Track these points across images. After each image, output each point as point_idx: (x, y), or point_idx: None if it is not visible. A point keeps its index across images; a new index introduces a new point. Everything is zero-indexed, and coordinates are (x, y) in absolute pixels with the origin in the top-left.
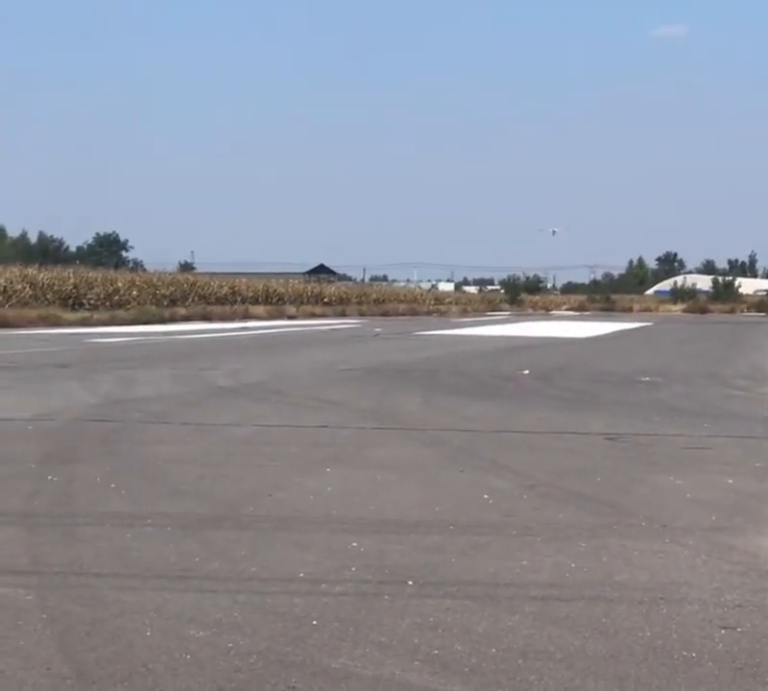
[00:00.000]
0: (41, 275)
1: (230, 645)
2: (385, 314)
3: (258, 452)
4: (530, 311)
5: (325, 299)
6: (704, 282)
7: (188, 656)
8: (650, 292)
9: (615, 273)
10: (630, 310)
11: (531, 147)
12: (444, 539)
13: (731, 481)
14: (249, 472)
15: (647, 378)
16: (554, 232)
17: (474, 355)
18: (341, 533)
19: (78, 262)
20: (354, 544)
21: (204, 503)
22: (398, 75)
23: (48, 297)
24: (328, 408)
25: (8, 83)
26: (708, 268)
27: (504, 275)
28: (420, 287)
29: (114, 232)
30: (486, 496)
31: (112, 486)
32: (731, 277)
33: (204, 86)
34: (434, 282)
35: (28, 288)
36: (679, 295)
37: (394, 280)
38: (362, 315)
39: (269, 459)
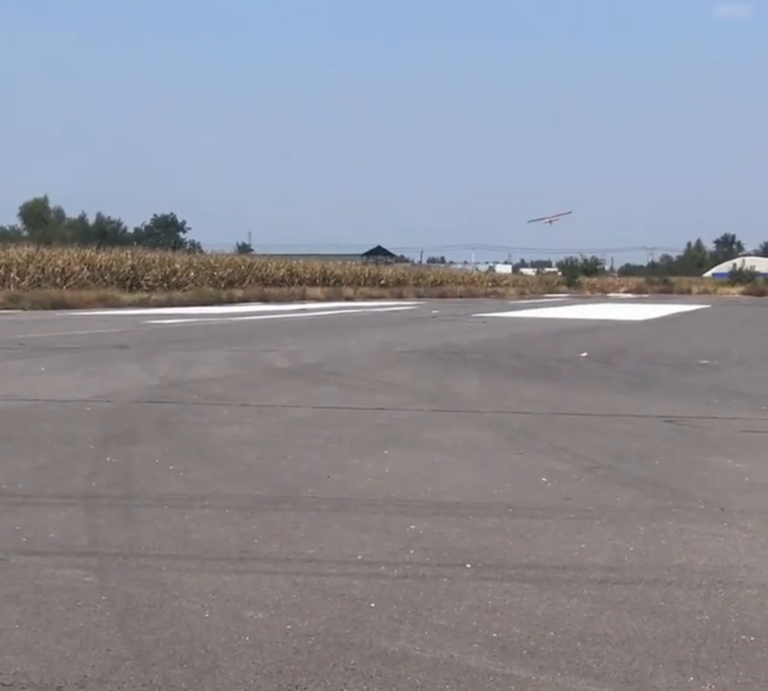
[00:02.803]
0: (99, 257)
1: (289, 627)
2: (442, 296)
3: (317, 434)
4: (587, 293)
5: (383, 281)
6: (763, 265)
7: (247, 638)
8: (708, 274)
9: (673, 255)
10: (688, 292)
11: (591, 127)
12: (503, 522)
13: None
14: (307, 454)
15: (706, 361)
16: (550, 222)
17: (532, 337)
18: (399, 515)
19: (135, 243)
20: (413, 526)
21: (263, 484)
22: (445, 51)
23: (106, 278)
24: (386, 390)
25: (71, 63)
26: (766, 250)
27: (562, 258)
28: (477, 269)
29: (172, 214)
30: (544, 479)
31: (171, 467)
32: None
33: (259, 68)
34: (491, 264)
35: (86, 269)
36: (737, 277)
37: (451, 262)
38: (419, 297)
39: (327, 440)
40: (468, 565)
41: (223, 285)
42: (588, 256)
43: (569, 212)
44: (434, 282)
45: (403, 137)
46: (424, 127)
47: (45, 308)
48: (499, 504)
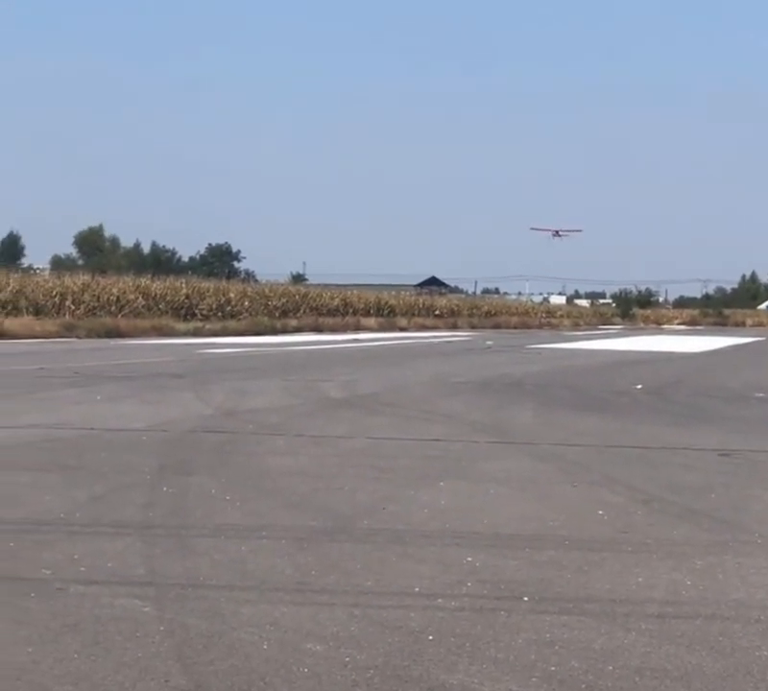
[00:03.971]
0: (154, 286)
1: (348, 659)
2: (496, 327)
3: (372, 465)
4: (641, 325)
5: (437, 312)
6: None
7: (306, 670)
8: (762, 306)
9: (728, 287)
10: (742, 324)
11: (645, 159)
12: (559, 555)
13: None
14: (362, 485)
15: (761, 394)
16: (556, 235)
17: (586, 369)
18: (455, 547)
19: (190, 272)
20: (469, 559)
21: (319, 516)
22: (517, 79)
23: (161, 307)
24: (441, 421)
25: (127, 94)
26: None
27: (616, 289)
28: (531, 300)
29: (226, 243)
30: (600, 512)
31: (227, 497)
32: None
33: (321, 99)
34: (545, 295)
35: (141, 298)
36: None
37: (505, 293)
38: (473, 327)
39: (382, 472)
40: (526, 598)
41: (277, 314)
42: (642, 288)
43: (580, 230)
44: (488, 313)
45: (458, 168)
46: (480, 159)
47: (100, 336)
48: (555, 536)
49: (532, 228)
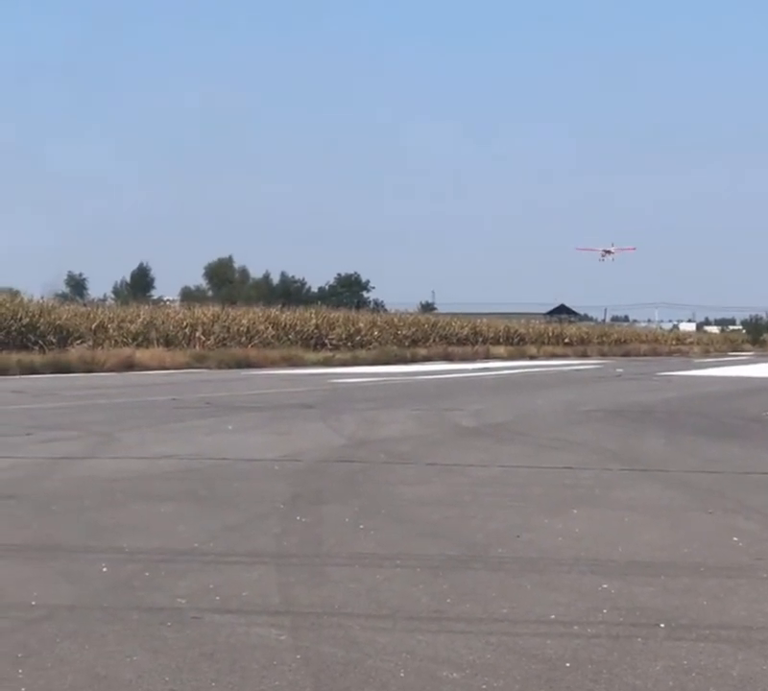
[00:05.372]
0: (284, 316)
1: (485, 687)
2: (626, 354)
3: (504, 493)
4: None
5: (566, 340)
6: None
7: None
8: None
9: None
10: None
11: None
12: (695, 581)
13: None
14: (495, 513)
15: None
16: (607, 254)
17: (717, 396)
18: (590, 574)
19: (319, 303)
20: (604, 586)
21: (452, 544)
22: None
23: (290, 337)
24: (572, 449)
25: (255, 128)
26: None
27: (746, 315)
28: (661, 327)
29: (356, 273)
30: (735, 538)
31: (361, 526)
32: None
33: (447, 129)
34: (675, 322)
35: (271, 328)
36: None
37: (635, 321)
38: (603, 355)
39: (515, 500)
40: (662, 625)
41: (407, 344)
42: None
43: (634, 248)
44: (617, 341)
45: (587, 197)
46: (605, 186)
47: (230, 367)
48: (690, 563)
49: (578, 249)
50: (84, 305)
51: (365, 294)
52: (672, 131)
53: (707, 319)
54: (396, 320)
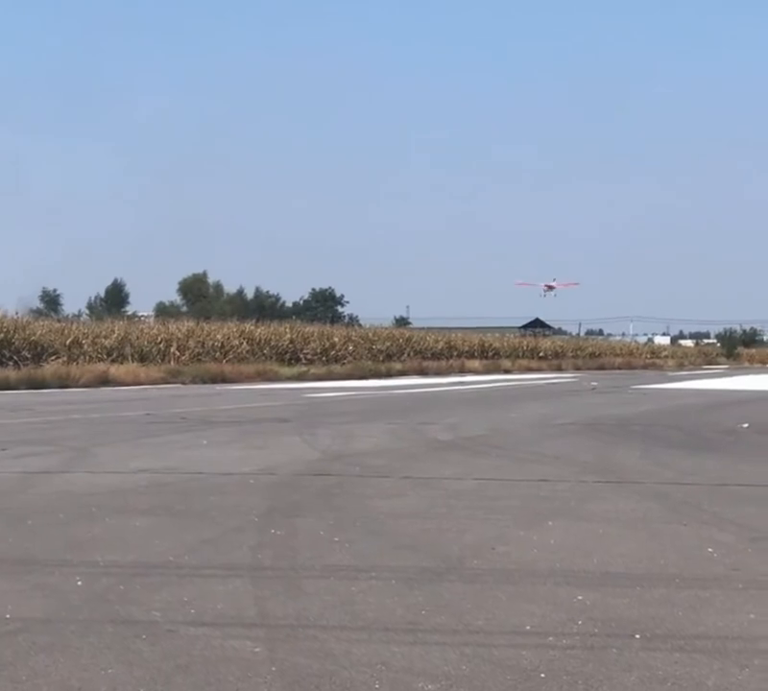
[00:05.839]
0: (258, 331)
1: None
2: (601, 368)
3: (479, 505)
4: (747, 364)
5: (541, 354)
6: None
7: None
8: None
9: None
10: None
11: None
12: (670, 592)
13: None
14: (471, 525)
15: None
16: (549, 289)
17: (692, 409)
18: (565, 586)
19: (294, 317)
20: (580, 597)
21: (428, 556)
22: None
23: (265, 352)
24: (547, 461)
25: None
26: None
27: (720, 329)
28: (635, 341)
29: (330, 287)
30: (710, 550)
31: (336, 539)
32: None
33: (430, 145)
34: (650, 336)
35: (245, 343)
36: None
37: (609, 334)
38: (578, 369)
39: (490, 512)
40: (637, 636)
41: (381, 358)
42: (747, 327)
43: (577, 284)
44: (592, 354)
45: (561, 214)
46: (582, 202)
47: (205, 382)
48: (666, 574)
49: (518, 284)
50: (59, 321)
51: (339, 308)
52: (644, 141)
53: (681, 332)
54: (370, 334)
